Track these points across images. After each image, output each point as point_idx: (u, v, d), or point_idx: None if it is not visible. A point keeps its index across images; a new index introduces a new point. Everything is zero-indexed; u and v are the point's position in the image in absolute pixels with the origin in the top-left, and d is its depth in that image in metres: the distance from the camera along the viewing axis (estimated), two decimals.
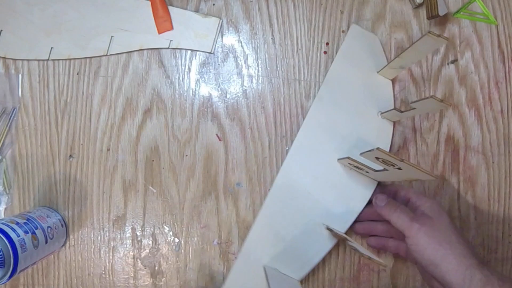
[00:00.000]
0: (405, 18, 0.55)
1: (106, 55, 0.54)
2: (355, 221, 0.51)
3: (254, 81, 0.55)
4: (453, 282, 0.42)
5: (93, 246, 0.54)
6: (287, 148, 0.54)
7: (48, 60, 0.54)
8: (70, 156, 0.54)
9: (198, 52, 0.54)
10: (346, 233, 0.50)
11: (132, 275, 0.54)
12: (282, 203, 0.51)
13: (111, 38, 0.54)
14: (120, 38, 0.54)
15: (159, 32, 0.53)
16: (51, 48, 0.54)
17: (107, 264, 0.54)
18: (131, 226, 0.54)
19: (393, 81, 0.54)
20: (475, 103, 0.55)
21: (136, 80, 0.54)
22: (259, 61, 0.55)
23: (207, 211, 0.54)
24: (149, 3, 0.53)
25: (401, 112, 0.48)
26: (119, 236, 0.54)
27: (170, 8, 0.53)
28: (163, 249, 0.54)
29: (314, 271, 0.53)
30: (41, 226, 0.48)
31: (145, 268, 0.54)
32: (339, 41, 0.54)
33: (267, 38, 0.55)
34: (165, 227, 0.54)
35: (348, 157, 0.48)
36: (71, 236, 0.54)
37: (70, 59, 0.54)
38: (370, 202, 0.50)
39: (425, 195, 0.48)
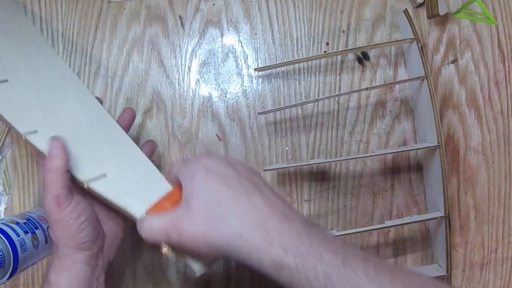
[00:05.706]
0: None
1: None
2: None
3: (254, 81, 0.54)
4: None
5: None
6: (287, 148, 0.54)
7: None
8: None
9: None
10: None
11: (132, 275, 0.54)
12: None
13: None
14: None
15: None
16: None
17: None
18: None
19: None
20: (475, 103, 0.55)
21: (136, 80, 0.54)
22: (259, 61, 0.55)
23: None
24: None
25: None
26: None
27: None
28: (163, 249, 0.54)
29: None
30: (41, 226, 0.48)
31: (145, 269, 0.54)
32: (339, 41, 0.54)
33: (267, 38, 0.55)
34: None
35: None
36: None
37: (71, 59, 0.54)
38: None
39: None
